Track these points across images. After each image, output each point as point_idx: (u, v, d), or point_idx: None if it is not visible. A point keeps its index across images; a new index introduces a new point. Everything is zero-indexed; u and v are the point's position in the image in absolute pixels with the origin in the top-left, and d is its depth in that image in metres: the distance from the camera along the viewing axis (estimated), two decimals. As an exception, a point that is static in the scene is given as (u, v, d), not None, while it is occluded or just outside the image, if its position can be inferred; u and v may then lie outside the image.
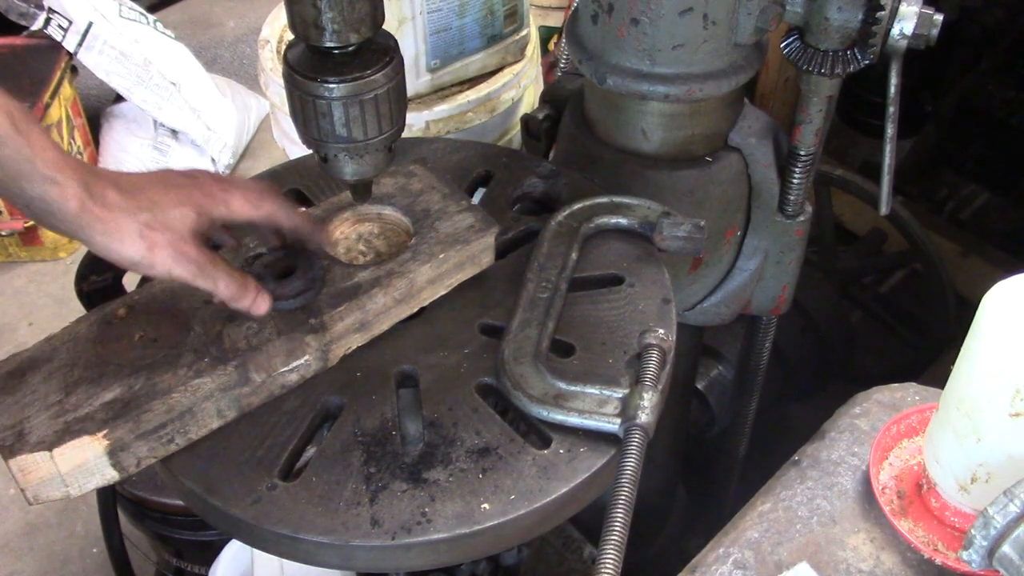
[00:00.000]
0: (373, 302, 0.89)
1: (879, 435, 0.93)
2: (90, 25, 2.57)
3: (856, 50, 0.98)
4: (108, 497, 1.52)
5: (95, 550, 2.02)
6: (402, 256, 0.93)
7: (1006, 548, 0.71)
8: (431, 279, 0.93)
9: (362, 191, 0.92)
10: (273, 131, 1.76)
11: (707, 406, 1.72)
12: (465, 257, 0.95)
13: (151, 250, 0.79)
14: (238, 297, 0.83)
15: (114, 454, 0.79)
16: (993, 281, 0.76)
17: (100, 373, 0.84)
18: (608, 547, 0.69)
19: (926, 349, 1.92)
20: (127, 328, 0.88)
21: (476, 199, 1.06)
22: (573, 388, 0.83)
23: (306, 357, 0.86)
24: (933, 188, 2.16)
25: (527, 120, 1.28)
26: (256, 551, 1.29)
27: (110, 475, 0.81)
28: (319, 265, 0.91)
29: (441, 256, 0.93)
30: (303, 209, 1.00)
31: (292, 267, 0.90)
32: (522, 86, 1.64)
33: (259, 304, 0.85)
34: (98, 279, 1.17)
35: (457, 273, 0.95)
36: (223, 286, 0.82)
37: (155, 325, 0.88)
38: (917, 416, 0.95)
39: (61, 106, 2.60)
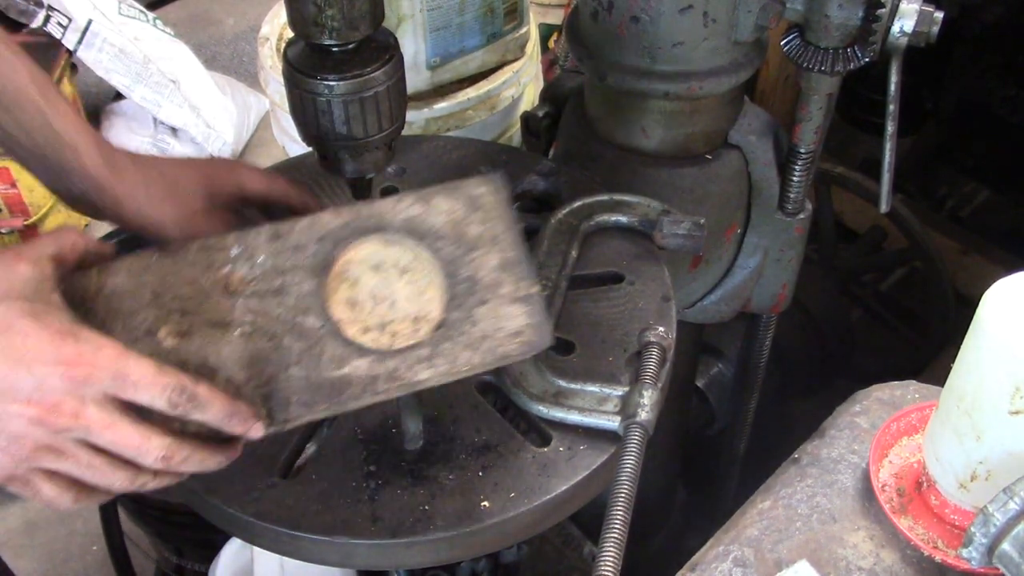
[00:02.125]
0: (354, 402, 0.72)
1: (879, 433, 0.93)
2: (89, 23, 2.57)
3: (856, 48, 0.98)
4: (108, 495, 1.52)
5: (95, 547, 2.02)
6: (415, 352, 0.73)
7: (1006, 545, 0.71)
8: (436, 383, 0.74)
9: (362, 188, 0.92)
10: (273, 129, 1.76)
11: (707, 404, 1.72)
12: (492, 366, 0.75)
13: (162, 211, 0.80)
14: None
15: None
16: (993, 279, 0.76)
17: None
18: (608, 545, 0.69)
19: (926, 347, 1.92)
20: None
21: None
22: (573, 386, 0.83)
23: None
24: (933, 186, 2.16)
25: (527, 118, 1.28)
26: (256, 549, 1.29)
27: None
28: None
29: (463, 366, 0.73)
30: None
31: None
32: (522, 84, 1.64)
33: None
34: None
35: (470, 373, 0.75)
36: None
37: None
38: (917, 414, 0.95)
39: (61, 104, 2.59)
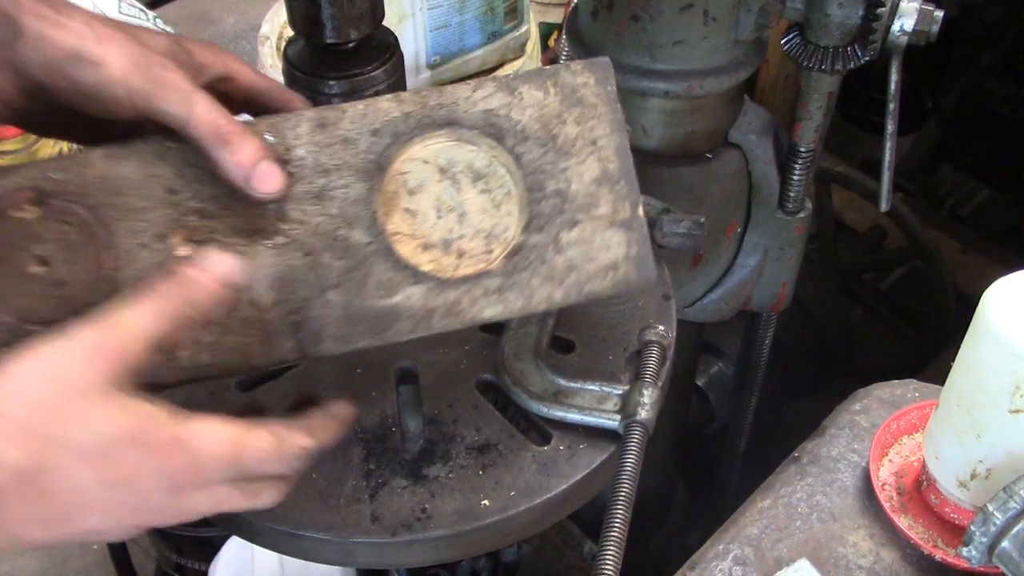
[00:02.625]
0: (401, 337, 0.63)
1: (879, 432, 0.93)
2: (90, 21, 2.57)
3: (856, 47, 0.98)
4: (108, 494, 1.52)
5: (95, 546, 2.02)
6: (484, 282, 0.62)
7: (1006, 544, 0.71)
8: (503, 319, 0.64)
9: None
10: (273, 128, 1.76)
11: (707, 403, 1.72)
12: (573, 304, 0.65)
13: (106, 50, 0.59)
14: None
15: None
16: (993, 278, 0.76)
17: None
18: (608, 543, 0.69)
19: (926, 346, 1.92)
20: (24, 237, 0.56)
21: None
22: (573, 385, 0.83)
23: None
24: (933, 185, 2.16)
25: (527, 117, 1.27)
26: (256, 548, 1.29)
27: None
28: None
29: (540, 303, 0.63)
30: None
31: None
32: (522, 82, 1.64)
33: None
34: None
35: (545, 311, 0.65)
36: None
37: (68, 250, 0.57)
38: (917, 413, 0.95)
39: (61, 102, 2.59)
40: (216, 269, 0.57)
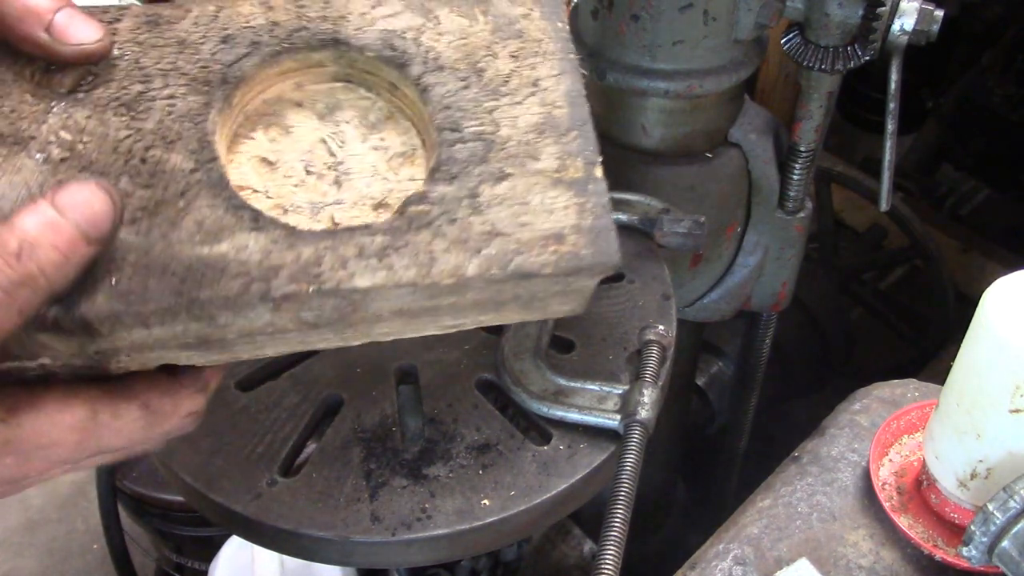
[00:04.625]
0: (226, 317, 0.41)
1: (879, 431, 0.93)
2: (90, 21, 2.57)
3: (856, 46, 0.98)
4: (108, 493, 1.52)
5: (96, 546, 2.02)
6: (359, 238, 0.43)
7: (1006, 544, 0.71)
8: (385, 303, 0.43)
9: None
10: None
11: (707, 402, 1.72)
12: (499, 284, 0.45)
13: None
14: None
15: None
16: (993, 277, 0.76)
17: None
18: (608, 543, 0.69)
19: (926, 345, 1.92)
20: None
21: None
22: (573, 384, 0.83)
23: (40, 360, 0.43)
24: (933, 184, 2.16)
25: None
26: (256, 547, 1.29)
27: None
28: None
29: (443, 275, 0.43)
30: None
31: None
32: (522, 82, 1.63)
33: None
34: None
35: (452, 290, 0.44)
36: None
37: None
38: (917, 412, 0.95)
39: (61, 102, 2.59)
40: (77, 212, 0.40)
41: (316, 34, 0.47)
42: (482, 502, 0.78)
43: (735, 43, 1.03)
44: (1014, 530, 0.71)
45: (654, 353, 0.83)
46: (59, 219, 0.39)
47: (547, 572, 1.42)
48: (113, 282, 0.40)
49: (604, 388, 0.82)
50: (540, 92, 0.48)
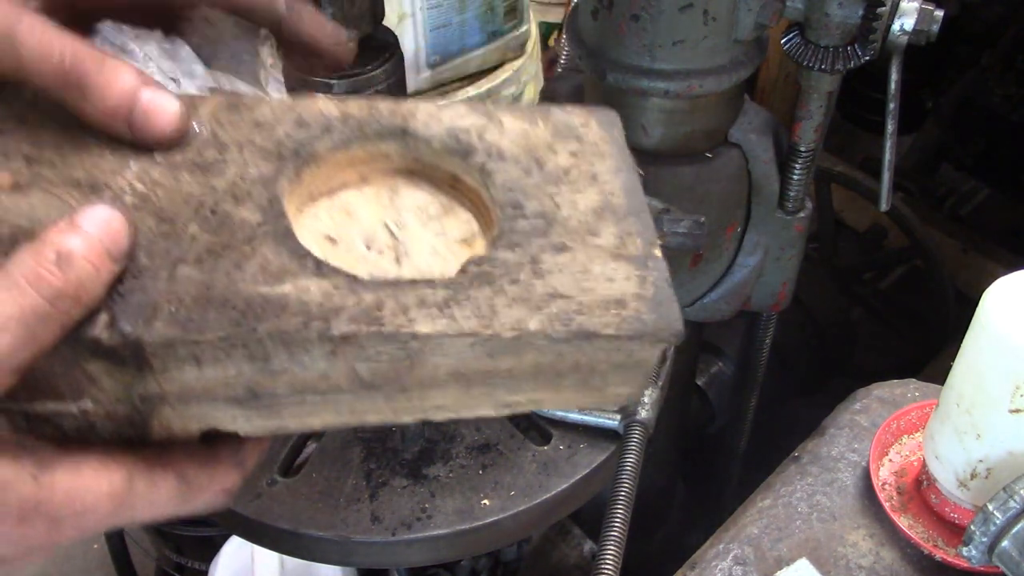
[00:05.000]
0: (271, 331, 0.41)
1: (879, 431, 0.93)
2: (89, 21, 2.57)
3: (856, 46, 0.98)
4: (108, 493, 1.52)
5: (96, 546, 2.02)
6: (421, 289, 0.43)
7: (1006, 544, 0.71)
8: (451, 354, 0.43)
9: None
10: (273, 127, 1.76)
11: (707, 402, 1.72)
12: (564, 344, 0.44)
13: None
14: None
15: None
16: (993, 277, 0.76)
17: None
18: (608, 543, 0.69)
19: (926, 345, 1.92)
20: None
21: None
22: (573, 384, 0.83)
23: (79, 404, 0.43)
24: (933, 184, 2.16)
25: (527, 116, 1.27)
26: (256, 547, 1.29)
27: None
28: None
29: (505, 328, 0.43)
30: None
31: None
32: (522, 82, 1.63)
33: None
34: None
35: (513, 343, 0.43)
36: None
37: None
38: (917, 412, 0.95)
39: (61, 102, 2.59)
40: (100, 229, 0.40)
41: (386, 126, 0.50)
42: (482, 502, 0.78)
43: (735, 43, 1.03)
44: (1014, 530, 0.71)
45: (654, 353, 0.83)
46: (89, 233, 0.41)
47: (547, 572, 1.42)
48: (172, 310, 0.41)
49: (604, 388, 0.82)
50: (598, 184, 0.51)
